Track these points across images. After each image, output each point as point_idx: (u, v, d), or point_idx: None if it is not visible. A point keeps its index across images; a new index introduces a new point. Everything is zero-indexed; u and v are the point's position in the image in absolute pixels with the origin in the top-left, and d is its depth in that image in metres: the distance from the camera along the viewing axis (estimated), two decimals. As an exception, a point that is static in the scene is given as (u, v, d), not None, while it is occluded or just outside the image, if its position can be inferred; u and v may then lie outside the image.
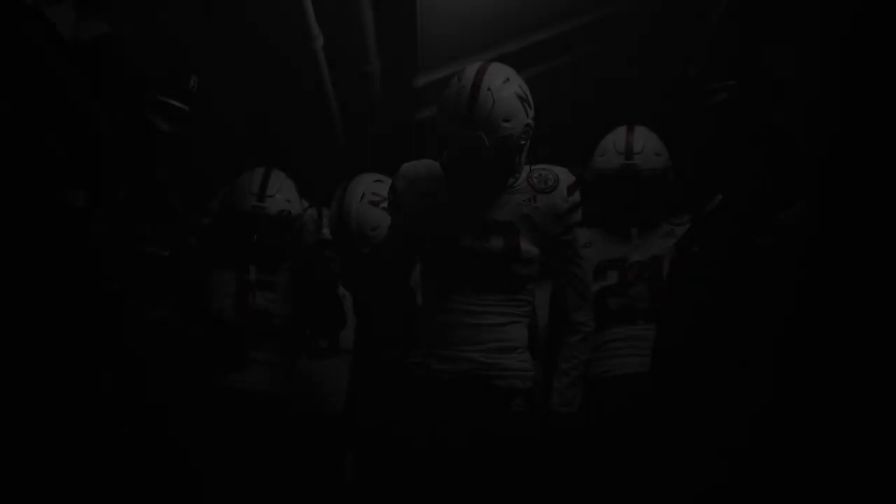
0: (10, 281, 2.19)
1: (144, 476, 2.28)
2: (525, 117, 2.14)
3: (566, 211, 2.22)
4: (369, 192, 2.89)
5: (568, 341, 2.28)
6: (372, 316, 2.71)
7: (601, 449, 2.50)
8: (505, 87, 2.12)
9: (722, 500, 2.21)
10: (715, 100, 2.32)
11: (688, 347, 2.29)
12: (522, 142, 2.17)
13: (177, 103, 2.53)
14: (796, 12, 2.81)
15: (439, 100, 2.22)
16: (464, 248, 2.19)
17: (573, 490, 2.47)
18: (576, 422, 2.26)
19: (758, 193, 2.14)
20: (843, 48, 2.54)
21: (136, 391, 2.21)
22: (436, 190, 2.25)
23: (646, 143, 2.66)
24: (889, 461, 2.03)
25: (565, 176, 2.24)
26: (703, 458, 2.22)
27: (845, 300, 1.99)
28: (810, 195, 2.05)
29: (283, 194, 2.86)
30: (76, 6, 2.81)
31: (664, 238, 2.64)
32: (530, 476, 2.25)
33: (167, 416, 2.39)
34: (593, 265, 2.61)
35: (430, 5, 3.38)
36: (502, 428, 2.19)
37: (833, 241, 2.02)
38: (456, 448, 2.18)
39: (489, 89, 2.10)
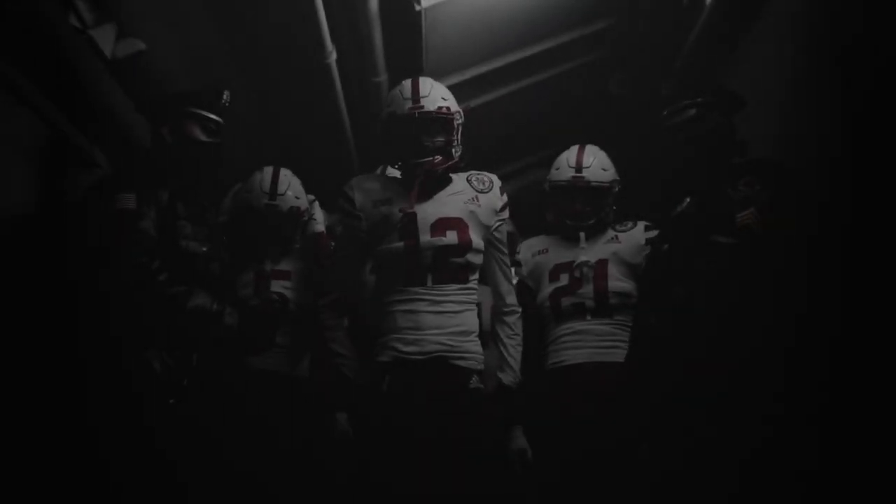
0: (72, 269, 2.46)
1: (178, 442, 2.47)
2: (456, 105, 2.53)
3: (501, 207, 2.55)
4: None
5: (507, 321, 2.57)
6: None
7: (564, 434, 2.67)
8: (438, 83, 2.57)
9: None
10: (684, 116, 2.50)
11: (662, 333, 2.51)
12: (458, 122, 2.52)
13: (212, 116, 2.67)
14: (760, 37, 3.07)
15: (387, 99, 2.59)
16: (424, 244, 2.45)
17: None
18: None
19: (720, 198, 2.36)
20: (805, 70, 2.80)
21: (181, 368, 2.43)
22: (391, 196, 2.52)
23: (594, 160, 2.87)
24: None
25: (496, 179, 2.60)
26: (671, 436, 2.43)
27: (789, 287, 2.27)
28: (763, 201, 2.28)
29: (292, 191, 3.03)
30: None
31: (608, 243, 2.84)
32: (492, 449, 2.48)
33: (202, 393, 2.57)
34: (549, 268, 2.82)
35: (433, 23, 3.60)
36: (464, 402, 2.42)
37: (782, 240, 2.29)
38: (428, 420, 2.37)
39: (428, 79, 2.56)
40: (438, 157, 2.48)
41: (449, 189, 2.53)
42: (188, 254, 2.53)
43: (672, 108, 2.53)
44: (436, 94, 2.51)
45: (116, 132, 2.95)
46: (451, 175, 2.56)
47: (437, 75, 3.82)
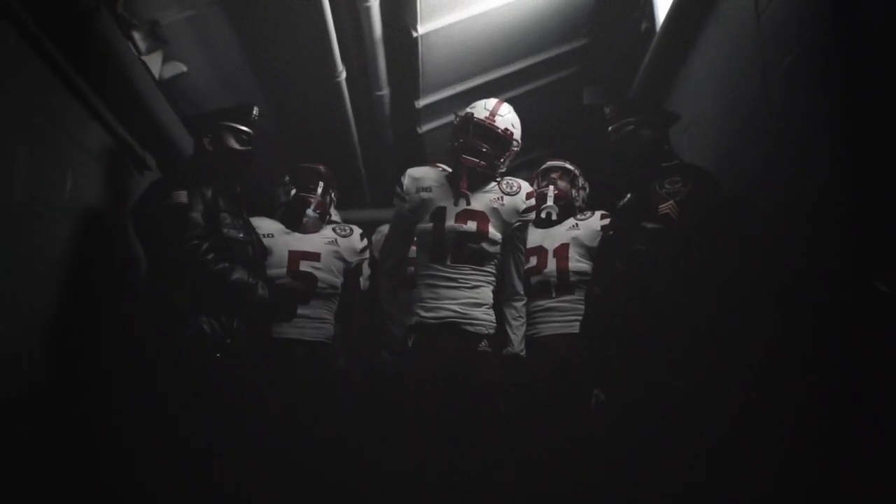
0: (136, 252, 2.96)
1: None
2: (518, 138, 2.95)
3: (524, 210, 2.96)
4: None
5: (515, 305, 2.98)
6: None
7: (540, 395, 3.09)
8: (515, 114, 2.98)
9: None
10: (624, 132, 2.91)
11: (611, 300, 2.85)
12: (514, 147, 2.94)
13: (244, 128, 3.02)
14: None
15: (472, 104, 2.99)
16: (448, 228, 2.86)
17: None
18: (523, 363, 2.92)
19: (651, 193, 2.76)
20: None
21: (225, 330, 2.81)
22: (432, 186, 2.96)
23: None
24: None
25: (526, 186, 3.01)
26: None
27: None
28: (682, 195, 2.70)
29: None
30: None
31: (570, 230, 3.31)
32: (492, 400, 2.81)
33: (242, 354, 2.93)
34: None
35: (428, 46, 4.01)
36: (471, 362, 2.77)
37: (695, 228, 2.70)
38: (439, 377, 2.75)
39: (509, 106, 2.98)
40: (483, 163, 2.90)
41: (481, 189, 2.93)
42: (228, 239, 2.88)
43: (615, 126, 2.97)
44: (508, 119, 2.96)
45: (165, 141, 3.41)
46: (490, 179, 2.96)
47: (432, 90, 4.37)
